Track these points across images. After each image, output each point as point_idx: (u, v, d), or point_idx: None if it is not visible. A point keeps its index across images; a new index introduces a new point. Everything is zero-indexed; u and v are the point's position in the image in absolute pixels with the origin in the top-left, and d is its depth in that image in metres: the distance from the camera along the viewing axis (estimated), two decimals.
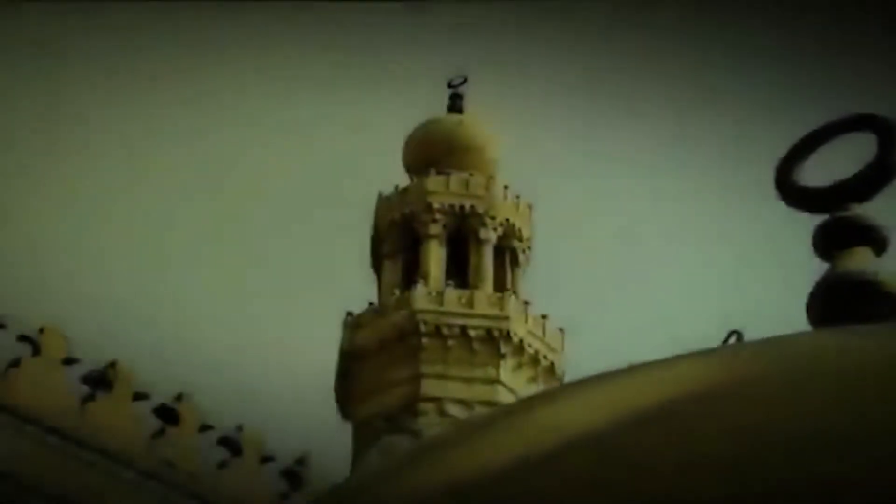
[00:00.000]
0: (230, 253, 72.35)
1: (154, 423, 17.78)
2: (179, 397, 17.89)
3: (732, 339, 6.50)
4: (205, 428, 18.16)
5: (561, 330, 37.06)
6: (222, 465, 18.15)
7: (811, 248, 4.00)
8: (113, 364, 17.34)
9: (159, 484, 17.07)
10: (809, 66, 61.56)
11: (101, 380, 17.18)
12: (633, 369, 3.28)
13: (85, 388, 17.29)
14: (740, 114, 67.32)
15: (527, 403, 3.15)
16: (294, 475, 18.78)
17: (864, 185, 3.86)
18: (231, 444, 18.34)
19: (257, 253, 71.33)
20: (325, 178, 62.79)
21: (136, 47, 65.08)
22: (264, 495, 18.23)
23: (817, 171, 4.03)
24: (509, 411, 3.13)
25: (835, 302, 3.69)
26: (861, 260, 3.74)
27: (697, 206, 69.25)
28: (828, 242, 3.84)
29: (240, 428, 18.57)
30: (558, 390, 3.20)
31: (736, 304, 57.24)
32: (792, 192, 3.97)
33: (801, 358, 2.97)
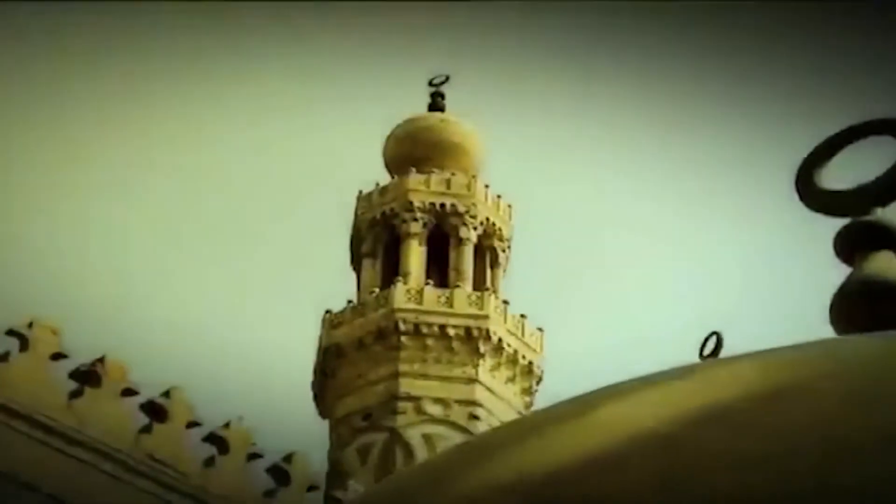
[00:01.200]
0: (217, 250, 72.30)
1: (143, 419, 17.75)
2: (167, 393, 17.86)
3: (712, 341, 6.54)
4: (192, 424, 18.14)
5: (540, 330, 37.12)
6: (209, 461, 18.12)
7: (832, 251, 4.04)
8: (101, 360, 17.30)
9: (146, 480, 17.04)
10: (827, 70, 61.43)
11: (89, 375, 17.13)
12: (691, 368, 3.32)
13: (73, 384, 17.23)
14: (732, 115, 67.37)
15: (589, 400, 3.19)
16: (281, 472, 18.78)
17: (886, 188, 3.91)
18: (218, 441, 18.33)
19: (244, 251, 71.20)
20: (307, 177, 62.72)
21: (117, 48, 64.91)
22: (251, 492, 18.23)
23: (837, 175, 4.08)
24: (573, 409, 3.16)
25: (859, 305, 3.74)
26: (884, 264, 3.79)
27: (683, 206, 69.27)
28: (850, 246, 3.89)
29: (227, 425, 18.57)
30: (620, 388, 3.24)
31: (718, 306, 57.36)
32: (813, 196, 4.01)
33: (855, 361, 3.03)
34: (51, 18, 59.17)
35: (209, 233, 71.46)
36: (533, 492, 2.79)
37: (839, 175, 4.07)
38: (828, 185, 4.05)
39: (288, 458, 18.94)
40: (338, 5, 56.58)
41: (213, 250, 71.71)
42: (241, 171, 69.90)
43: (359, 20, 58.66)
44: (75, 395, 17.05)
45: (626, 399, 3.13)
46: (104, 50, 63.50)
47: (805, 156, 4.09)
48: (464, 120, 40.07)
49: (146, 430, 17.58)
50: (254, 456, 18.67)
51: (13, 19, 57.18)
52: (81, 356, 17.46)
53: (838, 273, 3.92)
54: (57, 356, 17.11)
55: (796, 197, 4.04)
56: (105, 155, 67.28)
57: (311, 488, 18.92)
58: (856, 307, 3.73)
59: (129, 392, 17.50)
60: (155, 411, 17.65)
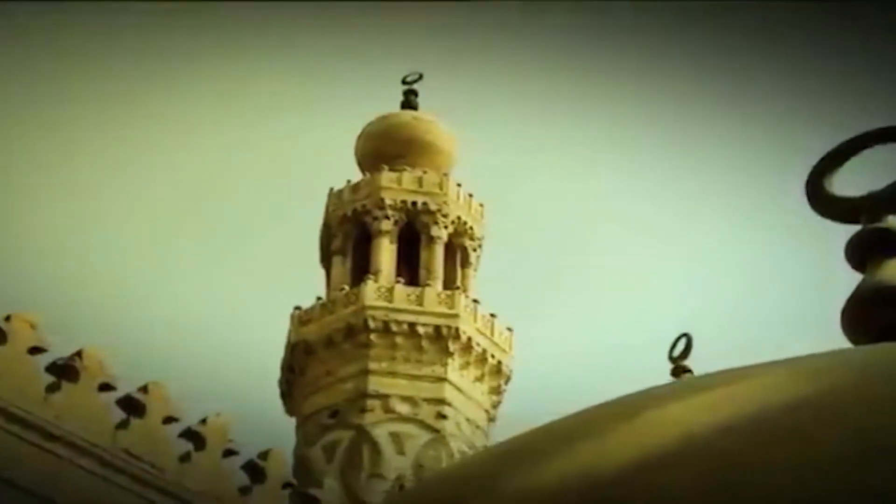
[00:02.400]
0: (207, 247, 72.03)
1: (120, 413, 17.65)
2: (145, 388, 17.78)
3: (682, 342, 6.55)
4: (170, 420, 18.08)
5: (510, 329, 37.15)
6: (185, 457, 18.06)
7: (844, 257, 4.07)
8: (79, 353, 17.19)
9: (122, 475, 16.95)
10: (832, 71, 61.03)
11: (67, 370, 17.02)
12: (732, 373, 3.35)
13: (51, 378, 17.10)
14: (731, 115, 67.22)
15: (638, 403, 3.20)
16: (257, 469, 18.75)
17: None
18: (195, 437, 18.27)
19: (235, 248, 70.95)
20: (291, 175, 62.41)
21: (109, 48, 64.67)
22: (227, 488, 18.18)
23: (848, 181, 4.10)
24: (628, 410, 3.18)
25: (872, 312, 3.77)
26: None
27: (669, 209, 69.07)
28: (862, 253, 3.92)
29: (204, 420, 18.52)
30: (664, 392, 3.26)
31: (690, 308, 57.42)
32: (824, 202, 4.04)
33: (886, 369, 3.07)
34: (49, 18, 59.00)
35: (202, 230, 71.26)
36: (590, 492, 2.82)
37: (850, 181, 4.10)
38: (835, 191, 4.08)
39: (264, 454, 18.93)
40: (312, 5, 56.57)
41: (203, 246, 71.48)
42: (225, 168, 69.72)
43: (333, 21, 58.61)
44: (52, 388, 16.93)
45: (673, 404, 3.15)
46: (97, 50, 63.31)
47: (816, 160, 4.12)
48: (437, 118, 40.09)
49: (123, 425, 17.51)
50: (230, 452, 18.64)
51: (12, 19, 57.04)
52: (62, 350, 17.34)
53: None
54: (35, 350, 16.98)
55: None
56: (88, 149, 67.04)
57: (287, 485, 18.92)
58: (868, 314, 3.77)
59: (106, 387, 17.39)
60: (132, 406, 17.57)
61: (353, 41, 59.73)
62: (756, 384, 3.19)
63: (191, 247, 72.58)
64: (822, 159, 4.13)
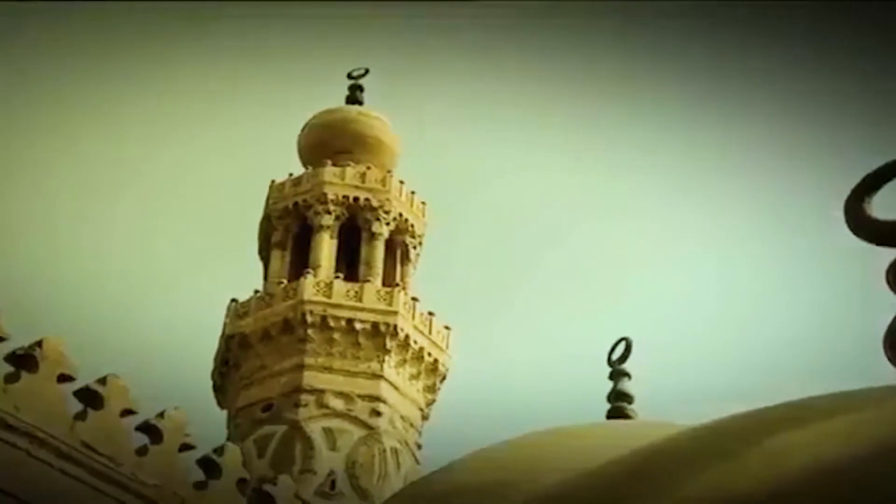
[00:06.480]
0: (158, 239, 71.53)
1: (77, 405, 17.45)
2: (103, 380, 17.60)
3: (621, 346, 6.58)
4: (127, 413, 17.91)
5: (447, 328, 37.17)
6: (142, 450, 17.91)
7: (885, 282, 4.09)
8: (39, 343, 16.97)
9: (78, 467, 16.76)
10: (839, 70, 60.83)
11: (26, 359, 16.79)
12: (848, 400, 3.37)
13: (10, 367, 16.86)
14: (655, 112, 67.39)
15: (764, 425, 3.21)
16: (211, 464, 18.62)
17: None
18: (152, 430, 18.12)
19: (180, 239, 70.47)
20: (229, 170, 62.11)
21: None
22: (183, 482, 18.04)
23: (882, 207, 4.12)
24: (754, 433, 3.18)
25: None
26: None
27: (608, 210, 69.20)
28: None
29: (161, 414, 18.37)
30: (781, 415, 3.28)
31: (633, 315, 57.68)
32: (864, 226, 4.07)
33: None
34: (42, 19, 58.39)
35: (169, 228, 70.80)
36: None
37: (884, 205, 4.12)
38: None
39: (219, 450, 18.83)
40: (259, 4, 56.49)
41: (164, 242, 71.01)
42: (184, 165, 69.35)
43: (280, 21, 58.50)
44: (11, 378, 16.71)
45: (798, 430, 3.17)
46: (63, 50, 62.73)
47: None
48: (382, 115, 40.05)
49: (81, 416, 17.32)
50: (187, 447, 18.51)
51: (9, 19, 56.46)
52: (21, 340, 17.11)
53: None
54: None
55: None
56: (46, 143, 66.47)
57: (242, 481, 18.81)
58: None
59: (65, 378, 17.18)
60: (90, 398, 17.38)
61: (300, 37, 59.56)
62: (877, 413, 3.20)
63: (153, 242, 72.15)
64: (862, 182, 4.15)
